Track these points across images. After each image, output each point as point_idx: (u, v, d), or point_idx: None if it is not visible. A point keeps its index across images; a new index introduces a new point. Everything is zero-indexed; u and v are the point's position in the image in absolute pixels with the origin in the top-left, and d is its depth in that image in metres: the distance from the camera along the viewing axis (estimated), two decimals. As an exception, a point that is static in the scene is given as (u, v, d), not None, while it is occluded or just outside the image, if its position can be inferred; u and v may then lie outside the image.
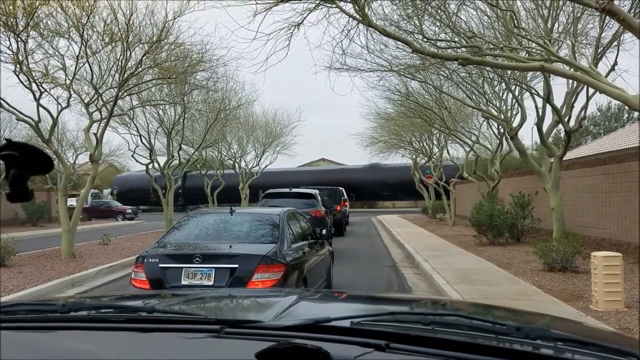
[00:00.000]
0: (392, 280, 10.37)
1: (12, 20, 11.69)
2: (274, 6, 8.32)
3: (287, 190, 16.53)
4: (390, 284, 10.03)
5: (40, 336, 1.43)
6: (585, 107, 12.71)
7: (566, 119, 12.63)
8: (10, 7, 11.52)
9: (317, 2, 8.44)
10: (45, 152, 1.21)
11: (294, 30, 9.10)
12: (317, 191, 17.69)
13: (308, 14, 8.86)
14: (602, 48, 11.49)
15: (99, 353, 1.31)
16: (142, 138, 21.59)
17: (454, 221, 24.93)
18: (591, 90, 11.79)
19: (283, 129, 34.02)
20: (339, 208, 21.84)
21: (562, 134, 15.56)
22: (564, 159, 13.42)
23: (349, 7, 8.62)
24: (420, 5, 10.42)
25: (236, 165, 33.54)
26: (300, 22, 8.96)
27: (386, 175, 45.22)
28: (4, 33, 12.08)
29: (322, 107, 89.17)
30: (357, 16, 8.48)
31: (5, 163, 1.17)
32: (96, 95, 14.48)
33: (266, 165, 35.77)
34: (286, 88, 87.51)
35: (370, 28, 9.02)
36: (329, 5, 8.60)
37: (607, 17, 8.21)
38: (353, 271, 11.32)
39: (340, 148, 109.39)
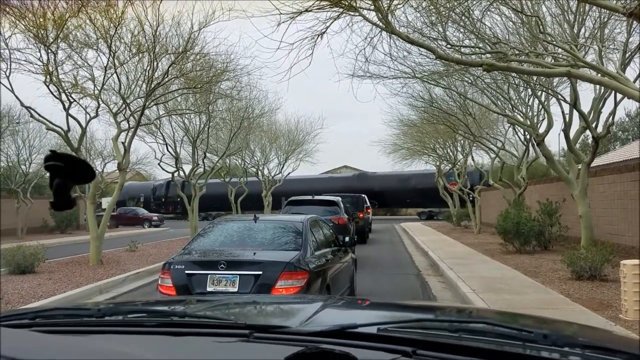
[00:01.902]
0: (417, 289, 10.29)
1: (42, 32, 12.03)
2: (297, 16, 8.39)
3: (309, 197, 16.58)
4: (414, 292, 9.96)
5: (77, 340, 1.47)
6: (613, 112, 12.50)
7: (594, 125, 12.42)
8: (41, 20, 11.86)
9: (341, 11, 8.48)
10: (87, 162, 1.27)
11: (317, 39, 9.16)
12: (339, 198, 17.70)
13: (331, 23, 8.91)
14: (629, 53, 11.29)
15: (134, 357, 1.35)
16: (168, 147, 21.94)
17: (479, 229, 24.62)
18: (619, 96, 11.59)
19: (305, 137, 34.11)
20: (361, 215, 21.72)
21: (590, 140, 15.26)
22: (591, 165, 13.18)
23: (372, 15, 8.64)
24: (444, 12, 10.39)
25: (259, 172, 33.75)
26: (323, 31, 9.01)
27: (372, 184, 44.57)
28: (35, 45, 12.44)
29: (345, 114, 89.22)
30: (381, 24, 8.49)
31: (50, 173, 1.22)
32: (124, 105, 14.78)
33: (289, 173, 35.85)
34: (309, 95, 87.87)
35: (393, 35, 9.02)
36: (353, 14, 8.63)
37: (635, 22, 8.08)
38: (376, 279, 11.27)
39: (363, 155, 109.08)
